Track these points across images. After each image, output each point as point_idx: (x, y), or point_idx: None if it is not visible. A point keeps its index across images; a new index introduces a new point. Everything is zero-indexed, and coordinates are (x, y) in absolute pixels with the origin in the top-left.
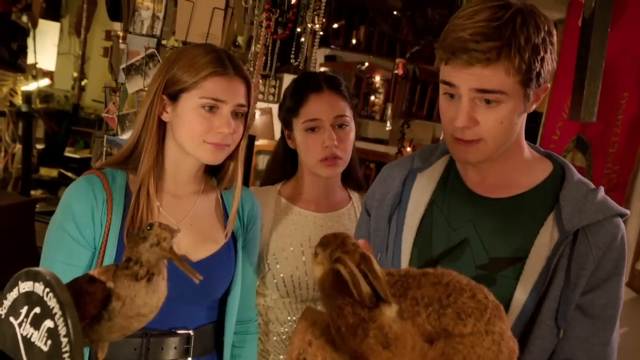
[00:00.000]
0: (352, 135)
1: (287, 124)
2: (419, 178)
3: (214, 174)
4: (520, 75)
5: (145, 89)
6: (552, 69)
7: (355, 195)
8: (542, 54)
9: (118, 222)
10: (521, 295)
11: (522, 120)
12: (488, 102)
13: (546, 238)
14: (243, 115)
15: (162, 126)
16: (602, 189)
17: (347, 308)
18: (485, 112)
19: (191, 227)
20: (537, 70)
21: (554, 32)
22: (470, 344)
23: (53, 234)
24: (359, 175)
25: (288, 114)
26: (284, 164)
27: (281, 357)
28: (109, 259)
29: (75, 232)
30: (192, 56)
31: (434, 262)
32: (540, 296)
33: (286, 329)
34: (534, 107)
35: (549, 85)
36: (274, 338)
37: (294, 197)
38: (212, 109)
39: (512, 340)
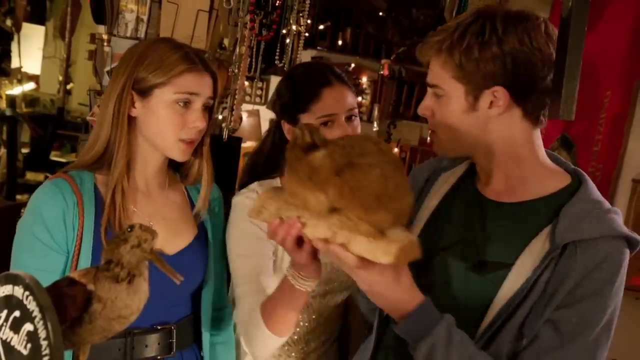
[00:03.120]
0: (358, 122)
1: (291, 119)
2: (442, 177)
3: (175, 167)
4: (454, 71)
5: None
6: (504, 73)
7: None
8: (476, 54)
9: (91, 224)
10: (500, 301)
11: (485, 123)
12: (438, 96)
13: (537, 248)
14: (207, 109)
15: (130, 123)
16: (619, 212)
17: (293, 153)
18: (435, 105)
19: (163, 221)
20: (471, 69)
21: (523, 38)
22: (364, 171)
23: (23, 240)
24: None
25: (293, 109)
26: (273, 158)
27: (293, 354)
28: (85, 261)
29: (47, 237)
30: (160, 53)
31: (430, 255)
32: (517, 304)
33: (297, 328)
34: (495, 111)
35: (502, 89)
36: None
37: None
38: (186, 103)
39: (403, 190)
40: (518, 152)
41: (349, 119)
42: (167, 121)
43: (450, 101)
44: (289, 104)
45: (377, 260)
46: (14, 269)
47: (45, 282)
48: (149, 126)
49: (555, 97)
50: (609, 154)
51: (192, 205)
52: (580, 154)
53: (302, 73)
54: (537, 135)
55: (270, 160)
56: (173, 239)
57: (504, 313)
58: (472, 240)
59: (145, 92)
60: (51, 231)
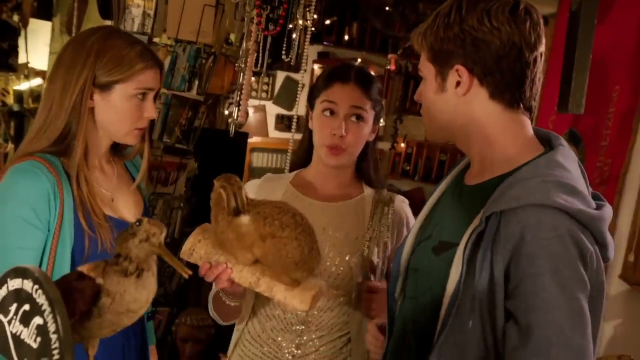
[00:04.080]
0: (366, 130)
1: (311, 105)
2: (458, 166)
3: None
4: (427, 53)
5: None
6: (463, 52)
7: (368, 190)
8: (441, 34)
9: (70, 204)
10: (451, 283)
11: (455, 105)
12: (423, 81)
13: (474, 226)
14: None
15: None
16: (572, 187)
17: (221, 216)
18: (422, 90)
19: (121, 193)
20: (437, 49)
21: (482, 17)
22: (284, 243)
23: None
24: (370, 172)
25: (313, 94)
26: (309, 149)
27: (288, 342)
28: (67, 240)
29: (31, 215)
30: (118, 49)
31: (418, 243)
32: (464, 284)
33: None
34: (461, 90)
35: (462, 67)
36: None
37: (303, 186)
38: (143, 96)
39: (315, 251)
40: (488, 134)
41: (353, 117)
42: (125, 113)
43: (427, 83)
44: (312, 91)
45: (294, 308)
46: None
47: (28, 260)
48: (106, 116)
49: (565, 91)
50: (617, 148)
51: (132, 178)
52: (588, 148)
53: (333, 67)
54: (516, 119)
55: (306, 152)
56: (133, 209)
57: (456, 294)
58: (441, 224)
59: (105, 87)
60: (36, 209)
